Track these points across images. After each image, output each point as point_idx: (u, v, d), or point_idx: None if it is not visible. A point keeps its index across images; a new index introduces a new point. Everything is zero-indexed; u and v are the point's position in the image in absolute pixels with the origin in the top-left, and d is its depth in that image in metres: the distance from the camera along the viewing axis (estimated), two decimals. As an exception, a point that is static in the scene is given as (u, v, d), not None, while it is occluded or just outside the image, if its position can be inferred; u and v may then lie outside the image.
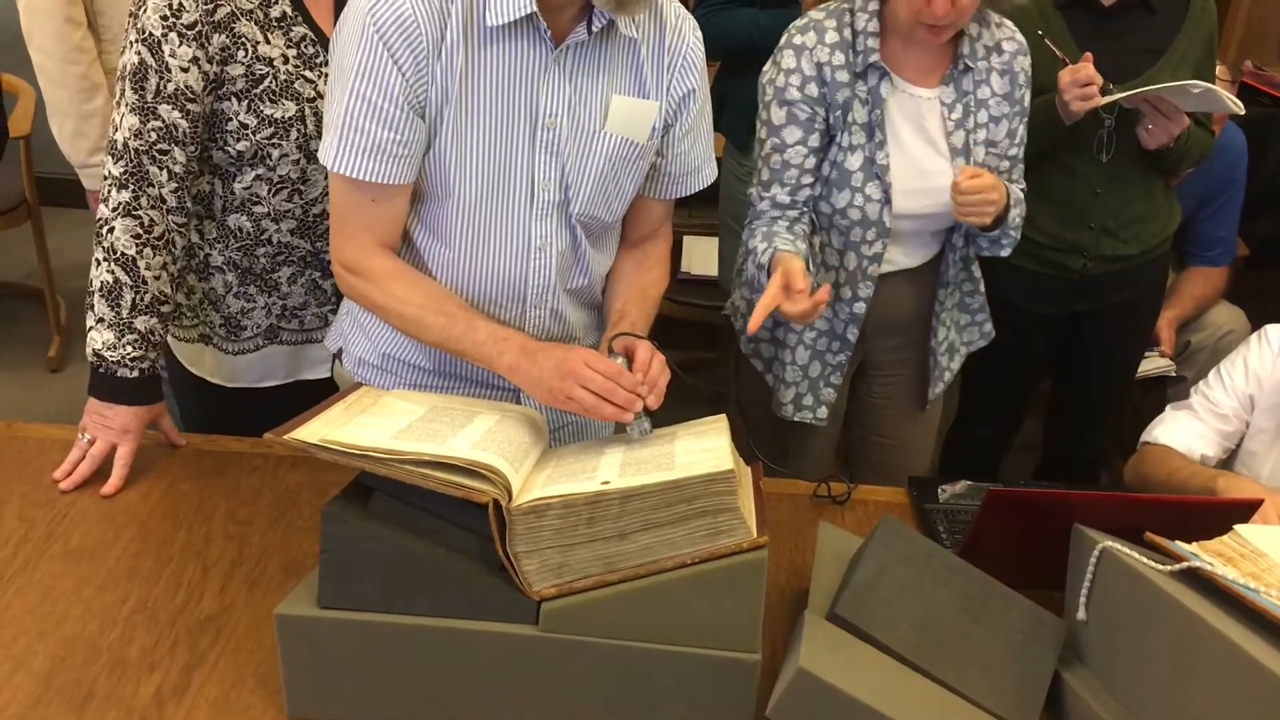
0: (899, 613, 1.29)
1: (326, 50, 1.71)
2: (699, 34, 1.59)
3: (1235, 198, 2.94)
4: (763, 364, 2.15)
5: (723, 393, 3.16)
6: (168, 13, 1.59)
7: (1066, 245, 2.33)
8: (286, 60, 1.69)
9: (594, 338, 1.72)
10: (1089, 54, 2.10)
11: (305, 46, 1.71)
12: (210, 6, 1.61)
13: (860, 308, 2.00)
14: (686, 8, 1.63)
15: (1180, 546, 1.28)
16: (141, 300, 1.66)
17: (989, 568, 1.40)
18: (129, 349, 1.65)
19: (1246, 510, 1.43)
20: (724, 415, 1.44)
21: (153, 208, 1.66)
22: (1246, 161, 2.92)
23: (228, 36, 1.63)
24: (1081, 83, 2.07)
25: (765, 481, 1.62)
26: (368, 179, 1.47)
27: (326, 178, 1.75)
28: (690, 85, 1.57)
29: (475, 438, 1.29)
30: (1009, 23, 1.95)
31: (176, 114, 1.63)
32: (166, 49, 1.60)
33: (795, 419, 2.11)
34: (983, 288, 2.15)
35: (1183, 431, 1.98)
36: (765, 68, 1.93)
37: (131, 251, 1.65)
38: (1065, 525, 1.38)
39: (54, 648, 1.37)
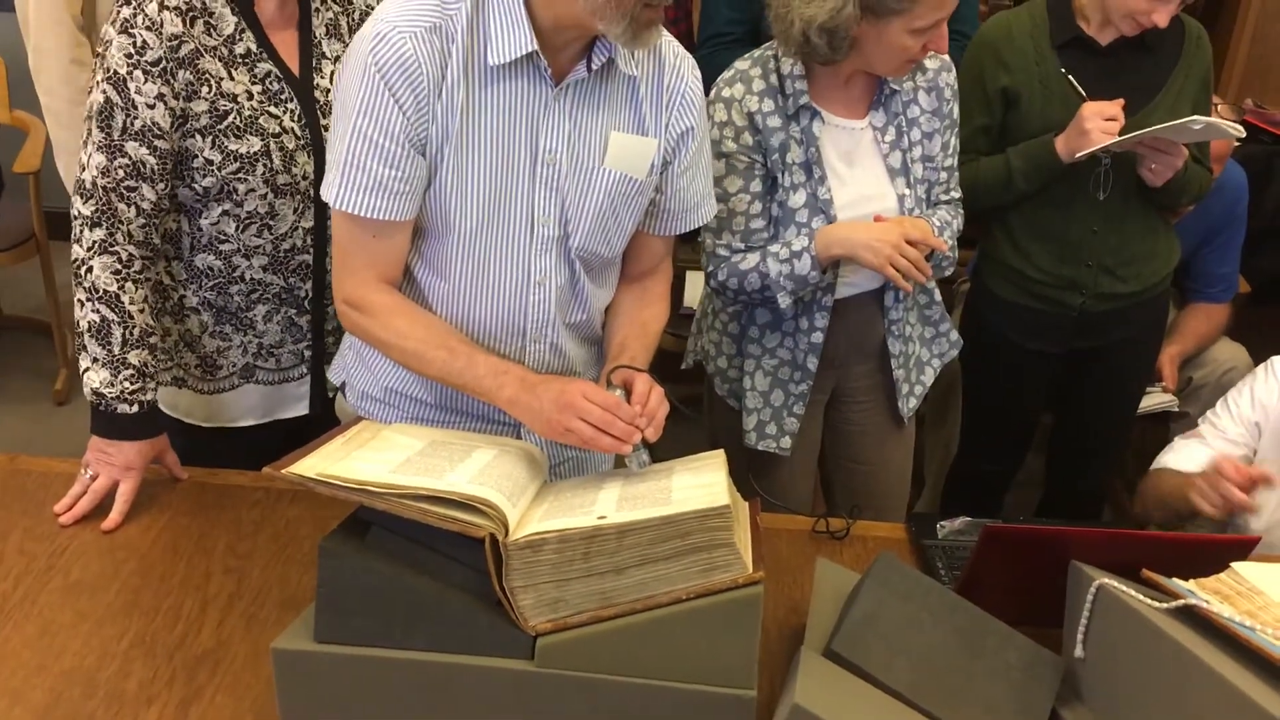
0: (896, 649, 1.29)
1: (292, 87, 1.74)
2: (698, 73, 1.61)
3: (1236, 234, 2.95)
4: (737, 402, 2.15)
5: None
6: (132, 50, 1.61)
7: (1064, 283, 2.33)
8: (251, 96, 1.70)
9: (594, 372, 1.72)
10: (1121, 100, 2.13)
11: (270, 83, 1.72)
12: (174, 43, 1.63)
13: (818, 337, 2.02)
14: (687, 48, 1.65)
15: (1177, 584, 1.28)
16: (131, 335, 1.67)
17: (987, 604, 1.39)
18: (126, 384, 1.66)
19: (1244, 547, 1.43)
20: (721, 451, 1.44)
21: (129, 242, 1.67)
22: (1247, 198, 2.93)
23: (191, 73, 1.65)
24: (1107, 115, 2.09)
25: (763, 516, 1.62)
26: (369, 215, 1.49)
27: (295, 213, 1.77)
28: (689, 123, 1.59)
29: (473, 472, 1.29)
30: None
31: (144, 151, 1.64)
32: (132, 86, 1.62)
33: (759, 447, 2.11)
34: (939, 297, 2.18)
35: (1191, 458, 1.99)
36: None
37: (114, 288, 1.66)
38: (1063, 562, 1.37)
39: (52, 681, 1.38)
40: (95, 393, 1.66)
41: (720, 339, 2.16)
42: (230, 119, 1.69)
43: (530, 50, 1.44)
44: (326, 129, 1.74)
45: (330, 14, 1.81)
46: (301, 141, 1.75)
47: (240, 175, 1.71)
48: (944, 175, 2.03)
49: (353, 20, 1.82)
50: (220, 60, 1.67)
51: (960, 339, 2.24)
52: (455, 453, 1.36)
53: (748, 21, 2.54)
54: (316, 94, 1.78)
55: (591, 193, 1.55)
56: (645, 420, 1.43)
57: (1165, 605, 1.23)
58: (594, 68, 1.49)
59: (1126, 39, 2.20)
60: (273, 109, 1.72)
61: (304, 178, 1.76)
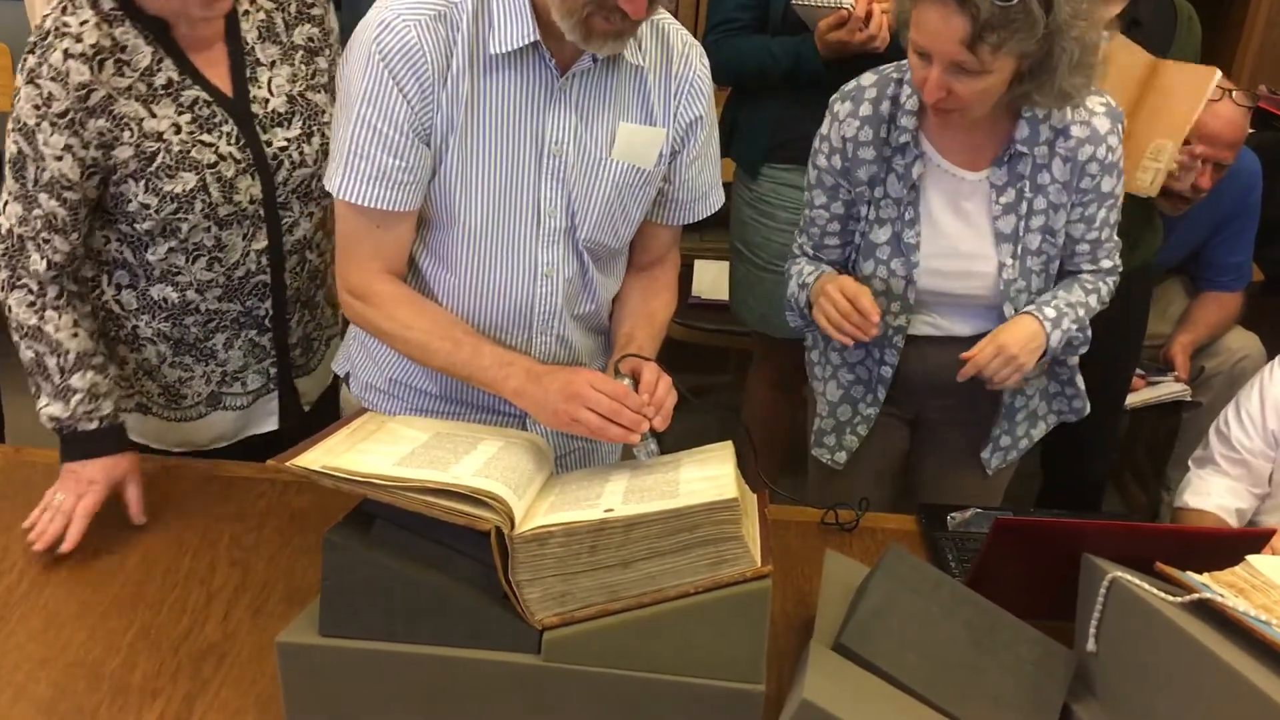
0: (905, 643, 1.28)
1: (225, 108, 1.64)
2: (705, 61, 1.59)
3: (1250, 223, 2.92)
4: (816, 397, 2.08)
5: (733, 411, 3.15)
6: (39, 102, 1.54)
7: None
8: (179, 130, 1.61)
9: (600, 362, 1.71)
10: None
11: (200, 109, 1.62)
12: (82, 93, 1.54)
13: (887, 371, 1.93)
14: (694, 34, 1.63)
15: (1191, 577, 1.27)
16: (66, 361, 1.61)
17: (997, 597, 1.38)
18: (78, 407, 1.61)
19: (1258, 541, 1.41)
20: (729, 442, 1.43)
21: (33, 279, 1.61)
22: (1261, 187, 2.90)
23: (107, 120, 1.56)
24: None
25: (774, 508, 1.61)
26: (373, 206, 1.47)
27: (244, 238, 1.69)
28: (697, 112, 1.57)
29: (478, 465, 1.28)
30: (1095, 103, 1.76)
31: (54, 203, 1.58)
32: (40, 138, 1.55)
33: (813, 453, 2.06)
34: (1074, 360, 1.99)
35: (1212, 491, 1.96)
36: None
37: (34, 321, 1.61)
38: (1075, 554, 1.36)
39: (56, 675, 1.37)
40: (53, 419, 1.62)
41: (818, 331, 2.04)
42: (159, 159, 1.60)
43: (532, 40, 1.43)
44: (268, 144, 1.67)
45: (261, 15, 1.69)
46: (242, 165, 1.65)
47: (179, 215, 1.63)
48: (1086, 247, 1.85)
49: (288, 15, 1.70)
50: (138, 99, 1.58)
51: (1085, 407, 2.04)
52: (461, 445, 1.35)
53: (756, 7, 2.52)
54: (254, 108, 1.67)
55: (598, 184, 1.54)
56: (653, 409, 1.42)
57: (1179, 599, 1.22)
58: (599, 58, 1.48)
59: (1119, 20, 2.17)
60: (205, 137, 1.62)
61: (250, 201, 1.67)
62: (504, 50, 1.43)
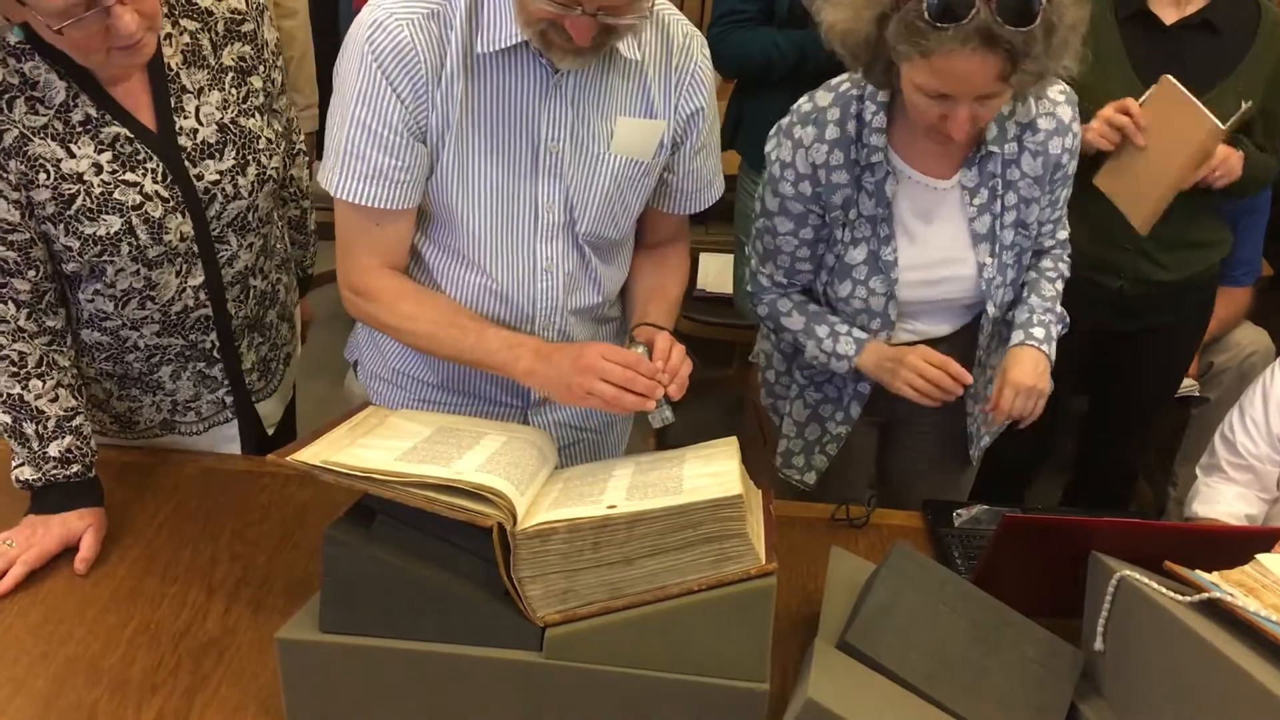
0: (911, 642, 1.27)
1: (148, 144, 1.51)
2: (707, 52, 1.58)
3: (1260, 219, 2.89)
4: (777, 417, 2.06)
5: (741, 398, 3.13)
6: None
7: (1097, 263, 2.26)
8: (100, 170, 1.48)
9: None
10: (1137, 113, 2.01)
11: (121, 146, 1.49)
12: None
13: (865, 387, 1.90)
14: (699, 26, 1.61)
15: (1200, 576, 1.25)
16: (45, 430, 1.55)
17: (1004, 595, 1.37)
18: (54, 471, 1.56)
19: (1268, 540, 1.40)
20: (734, 438, 1.42)
21: (16, 341, 1.53)
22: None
23: (22, 162, 1.45)
24: (1115, 124, 2.01)
25: (780, 504, 1.60)
26: (370, 204, 1.47)
27: (178, 275, 1.59)
28: (698, 104, 1.56)
29: (481, 460, 1.27)
30: (1055, 92, 1.72)
31: (1, 248, 1.49)
32: None
33: (781, 474, 2.02)
34: None
35: (1220, 499, 1.94)
36: (771, 134, 1.76)
37: (16, 390, 1.54)
38: (1083, 552, 1.35)
39: (56, 669, 1.36)
40: (20, 481, 1.57)
41: (774, 352, 2.04)
42: (79, 201, 1.48)
43: (518, 41, 1.41)
44: (199, 178, 1.55)
45: (185, 37, 1.54)
46: (170, 203, 1.53)
47: (105, 258, 1.53)
48: (1050, 226, 1.84)
49: (215, 35, 1.56)
50: (54, 138, 1.46)
51: (1049, 388, 1.97)
52: (463, 439, 1.34)
53: (761, -1, 2.51)
54: (182, 140, 1.54)
55: (597, 179, 1.53)
56: (668, 376, 1.42)
57: (1188, 598, 1.21)
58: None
59: (1191, 21, 2.12)
60: (129, 176, 1.50)
61: (181, 239, 1.56)
62: (489, 50, 1.42)
